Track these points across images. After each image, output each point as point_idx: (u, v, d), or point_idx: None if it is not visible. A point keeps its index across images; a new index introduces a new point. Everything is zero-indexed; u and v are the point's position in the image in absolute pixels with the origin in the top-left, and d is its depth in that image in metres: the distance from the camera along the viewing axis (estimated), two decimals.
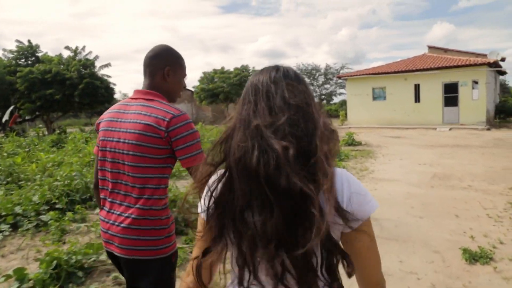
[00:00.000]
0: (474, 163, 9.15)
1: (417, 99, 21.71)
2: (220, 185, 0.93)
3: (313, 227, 0.82)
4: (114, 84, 25.85)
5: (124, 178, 1.64)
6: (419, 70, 21.12)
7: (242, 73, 29.18)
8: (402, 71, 21.79)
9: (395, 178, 7.84)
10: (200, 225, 1.05)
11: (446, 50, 24.98)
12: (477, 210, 5.44)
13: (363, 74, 23.48)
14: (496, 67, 20.66)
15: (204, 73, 30.23)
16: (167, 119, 1.57)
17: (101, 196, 1.73)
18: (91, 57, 24.77)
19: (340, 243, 0.97)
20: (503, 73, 27.01)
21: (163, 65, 1.72)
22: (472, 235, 4.41)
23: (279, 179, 0.83)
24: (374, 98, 23.31)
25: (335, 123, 22.96)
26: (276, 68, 1.01)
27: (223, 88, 28.25)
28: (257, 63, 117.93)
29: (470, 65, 19.71)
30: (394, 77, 22.20)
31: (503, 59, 22.75)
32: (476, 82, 19.97)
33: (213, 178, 0.96)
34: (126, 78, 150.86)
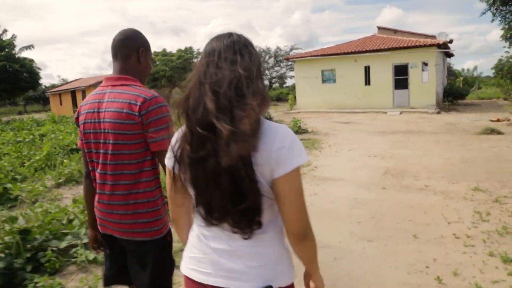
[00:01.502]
0: (429, 154, 8.06)
1: (367, 81, 20.83)
2: (180, 138, 1.12)
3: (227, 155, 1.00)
4: (39, 68, 22.87)
5: (110, 167, 1.67)
6: (369, 51, 20.18)
7: (186, 55, 27.02)
8: (351, 52, 20.76)
9: (341, 177, 6.52)
10: (168, 175, 1.22)
11: (395, 31, 24.28)
12: (440, 225, 4.19)
13: (311, 56, 22.25)
14: (445, 48, 20.14)
15: None
16: (138, 103, 1.58)
17: (96, 186, 1.76)
18: (16, 40, 21.65)
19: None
20: (450, 55, 26.90)
21: (137, 47, 1.74)
22: (438, 276, 3.10)
23: (222, 130, 1.00)
24: (324, 81, 22.21)
25: (284, 108, 21.70)
26: (229, 34, 1.15)
27: (165, 71, 25.99)
28: None
29: (420, 46, 18.98)
30: (344, 59, 21.15)
31: (451, 41, 22.36)
32: (426, 64, 19.33)
33: (176, 135, 1.17)
34: (73, 62, 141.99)
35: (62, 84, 42.73)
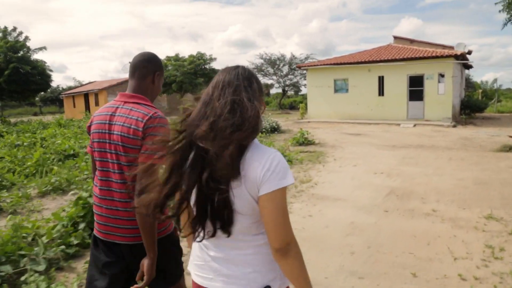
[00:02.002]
0: (440, 173, 7.47)
1: (381, 92, 20.21)
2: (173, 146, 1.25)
3: (218, 175, 1.17)
4: (51, 70, 22.89)
5: (116, 176, 1.81)
6: (384, 61, 19.58)
7: (198, 60, 26.80)
8: (365, 62, 20.19)
9: (341, 196, 6.02)
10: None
11: (412, 41, 23.62)
12: (444, 262, 3.66)
13: (324, 64, 21.74)
14: (463, 59, 19.40)
15: None
16: (144, 120, 1.75)
17: (95, 193, 1.90)
18: (28, 42, 21.74)
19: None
20: (468, 67, 26.05)
21: (154, 70, 1.92)
22: None
23: (208, 144, 1.17)
24: (336, 91, 21.67)
25: (296, 116, 21.18)
26: (235, 67, 1.33)
27: (176, 77, 25.78)
28: (227, 53, 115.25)
29: (437, 57, 18.31)
30: (357, 68, 20.59)
31: (469, 52, 21.61)
32: (442, 75, 18.63)
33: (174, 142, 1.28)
34: (92, 64, 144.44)
35: (77, 87, 43.12)
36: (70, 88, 47.67)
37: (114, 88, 32.99)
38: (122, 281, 1.85)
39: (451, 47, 20.81)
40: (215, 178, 1.17)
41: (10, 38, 21.75)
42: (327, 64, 21.63)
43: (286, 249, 1.21)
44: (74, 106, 37.77)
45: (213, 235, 1.26)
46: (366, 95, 20.45)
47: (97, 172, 1.89)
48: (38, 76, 21.38)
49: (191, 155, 1.22)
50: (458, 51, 18.52)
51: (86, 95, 35.47)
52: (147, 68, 1.89)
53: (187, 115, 1.29)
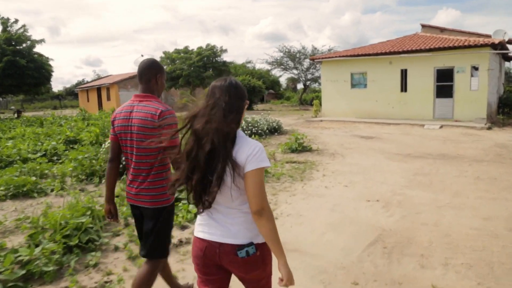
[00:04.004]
0: (459, 204, 5.35)
1: (403, 88, 17.75)
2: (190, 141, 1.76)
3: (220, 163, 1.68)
4: (50, 65, 21.70)
5: (138, 157, 2.49)
6: (407, 52, 17.10)
7: (206, 52, 24.99)
8: (386, 53, 17.76)
9: (300, 246, 4.06)
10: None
11: (442, 30, 20.89)
12: None
13: (340, 56, 19.41)
14: (502, 49, 16.63)
15: (164, 52, 26.01)
16: (158, 113, 2.41)
17: (127, 169, 2.63)
18: (31, 34, 20.65)
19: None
20: (509, 58, 22.94)
21: (155, 73, 2.56)
22: None
23: (209, 142, 1.67)
24: (353, 86, 19.33)
25: (309, 114, 19.06)
26: (225, 79, 1.83)
27: (182, 70, 24.12)
28: (258, 46, 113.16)
29: (470, 46, 15.69)
30: (377, 61, 18.20)
31: (510, 42, 18.74)
32: (476, 68, 16.00)
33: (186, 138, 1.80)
34: (126, 58, 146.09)
35: (93, 80, 42.48)
36: (87, 82, 47.20)
37: (126, 82, 31.87)
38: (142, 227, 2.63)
39: (488, 36, 18.04)
40: (215, 161, 1.69)
41: (12, 30, 20.78)
42: (343, 56, 19.32)
43: (261, 212, 1.68)
44: (88, 101, 37.04)
45: (210, 206, 1.74)
46: (386, 91, 18.05)
47: (124, 155, 2.61)
48: (35, 70, 20.20)
49: (194, 148, 1.72)
50: (496, 39, 15.80)
51: (98, 89, 34.59)
52: (149, 73, 2.54)
53: (194, 114, 1.76)
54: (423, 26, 21.56)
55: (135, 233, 4.27)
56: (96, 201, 5.66)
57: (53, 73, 21.86)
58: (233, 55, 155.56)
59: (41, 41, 20.64)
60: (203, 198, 1.72)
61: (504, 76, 25.12)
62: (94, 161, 7.65)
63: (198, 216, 1.89)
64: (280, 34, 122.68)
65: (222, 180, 1.68)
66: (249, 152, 1.70)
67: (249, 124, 12.55)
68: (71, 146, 10.46)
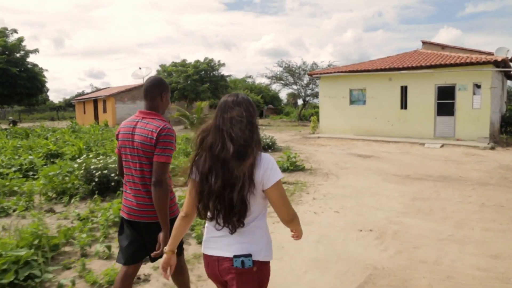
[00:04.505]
0: (463, 237, 4.73)
1: (403, 105, 17.23)
2: (200, 162, 1.77)
3: (237, 189, 1.68)
4: (43, 76, 21.28)
5: (139, 172, 2.52)
6: (407, 68, 16.64)
7: (203, 66, 24.57)
8: (386, 69, 17.30)
9: (278, 286, 3.45)
10: (190, 183, 1.86)
11: (444, 47, 20.50)
12: None
13: (338, 72, 18.96)
14: (505, 67, 16.15)
15: (161, 65, 25.64)
16: (157, 131, 2.46)
17: (124, 182, 2.65)
18: (26, 45, 20.31)
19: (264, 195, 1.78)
20: (511, 77, 22.50)
21: (160, 92, 2.62)
22: None
23: (227, 162, 1.69)
24: (352, 102, 18.83)
25: (306, 131, 18.54)
26: (236, 95, 1.82)
27: (178, 83, 23.67)
28: (260, 62, 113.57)
29: (472, 64, 15.22)
30: (377, 77, 17.73)
31: None
32: (478, 86, 15.50)
33: (199, 158, 1.80)
34: (128, 71, 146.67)
35: (90, 92, 42.14)
36: (85, 94, 46.89)
37: (122, 94, 31.47)
38: (140, 246, 2.60)
39: (490, 53, 17.61)
40: (233, 182, 1.68)
41: (8, 40, 20.44)
42: (342, 72, 18.87)
43: (292, 218, 1.84)
44: (84, 112, 36.62)
45: (243, 224, 1.74)
46: (386, 108, 17.53)
47: (126, 170, 2.62)
48: (28, 80, 19.75)
49: (215, 167, 1.72)
50: (499, 56, 15.35)
51: (95, 101, 34.19)
52: (155, 91, 2.60)
53: (205, 134, 1.78)
54: (424, 43, 21.19)
55: (89, 265, 3.72)
56: (58, 223, 5.08)
57: (47, 84, 21.44)
58: (235, 70, 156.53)
59: (35, 51, 20.28)
60: (236, 219, 1.72)
61: (506, 94, 24.65)
62: (67, 177, 7.09)
63: (205, 232, 1.90)
64: (282, 50, 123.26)
65: (246, 199, 1.69)
66: (264, 167, 1.71)
67: None
68: (52, 160, 9.90)
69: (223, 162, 1.68)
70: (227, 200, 1.68)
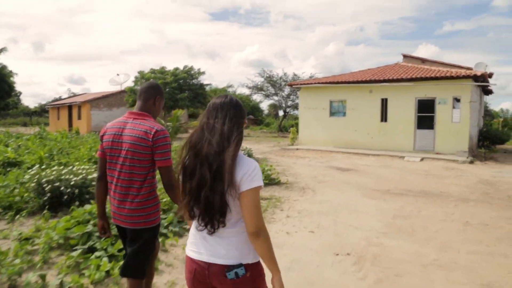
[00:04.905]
0: (449, 261, 4.28)
1: (383, 117, 17.03)
2: (186, 161, 1.76)
3: (216, 186, 1.66)
4: (11, 78, 20.25)
5: (127, 175, 2.42)
6: (388, 80, 16.47)
7: (182, 74, 23.98)
8: (366, 81, 17.11)
9: None
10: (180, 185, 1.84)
11: (424, 61, 20.50)
12: None
13: (319, 83, 18.68)
14: (483, 81, 16.15)
15: (139, 72, 24.91)
16: (152, 133, 2.37)
17: (109, 188, 2.53)
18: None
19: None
20: (488, 92, 22.72)
21: (155, 95, 2.58)
22: None
23: (207, 159, 1.67)
24: (332, 114, 18.54)
25: (286, 142, 18.11)
26: (225, 96, 1.82)
27: None
28: (243, 72, 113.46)
29: (452, 78, 15.15)
30: (357, 89, 17.52)
31: (490, 75, 18.39)
32: (457, 100, 15.42)
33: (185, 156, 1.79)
34: (110, 78, 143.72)
35: (65, 98, 40.85)
36: (61, 99, 45.49)
37: (98, 101, 30.54)
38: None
39: (469, 68, 17.65)
40: (216, 184, 1.66)
41: None
42: (322, 83, 18.59)
43: (258, 232, 1.66)
44: (58, 119, 35.39)
45: (224, 224, 1.71)
46: (366, 120, 17.30)
47: (109, 172, 2.49)
48: None
49: (196, 166, 1.71)
50: (478, 71, 15.34)
51: (70, 107, 33.07)
52: (149, 93, 2.56)
53: (192, 133, 1.78)
54: (405, 56, 21.18)
55: None
56: None
57: (16, 87, 20.40)
58: (218, 80, 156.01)
59: (3, 49, 19.25)
60: (215, 219, 1.69)
61: (484, 109, 24.90)
62: (16, 190, 6.40)
63: (190, 234, 1.88)
64: (265, 61, 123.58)
65: (225, 198, 1.67)
66: (244, 171, 1.68)
67: None
68: (8, 169, 9.11)
69: (204, 159, 1.67)
70: (206, 197, 1.67)
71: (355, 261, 4.24)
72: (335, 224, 5.70)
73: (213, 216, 1.68)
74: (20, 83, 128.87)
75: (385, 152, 15.83)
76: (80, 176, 6.75)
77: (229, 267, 1.69)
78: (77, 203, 5.93)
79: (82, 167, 7.27)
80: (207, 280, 1.74)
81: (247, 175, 1.66)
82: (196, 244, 1.80)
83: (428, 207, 6.96)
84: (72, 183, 6.45)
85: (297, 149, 17.52)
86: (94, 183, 7.19)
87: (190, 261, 1.80)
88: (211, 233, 1.71)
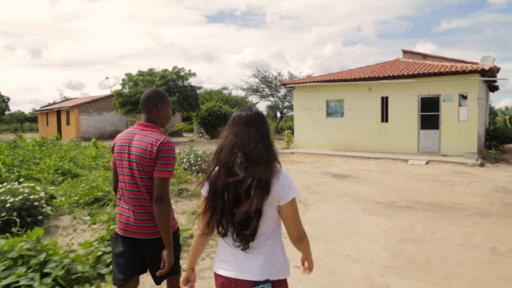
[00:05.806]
0: None
1: (384, 117, 15.82)
2: (214, 177, 1.74)
3: (252, 201, 1.63)
4: None
5: (136, 186, 2.36)
6: (388, 78, 15.27)
7: (171, 75, 22.77)
8: (365, 79, 15.91)
9: None
10: (202, 199, 1.84)
11: (425, 56, 19.33)
12: None
13: (314, 82, 17.46)
14: (491, 76, 14.93)
15: (127, 74, 23.71)
16: (157, 144, 2.30)
17: (118, 197, 2.48)
18: None
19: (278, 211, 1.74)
20: (493, 88, 21.49)
21: (156, 104, 2.46)
22: None
23: (245, 175, 1.64)
24: (329, 114, 17.31)
25: (282, 145, 16.91)
26: (250, 109, 1.82)
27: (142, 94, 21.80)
28: (240, 74, 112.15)
29: (457, 73, 13.95)
30: (355, 87, 16.31)
31: (497, 70, 17.18)
32: (464, 97, 14.22)
33: (212, 173, 1.77)
34: (110, 82, 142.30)
35: (54, 103, 39.68)
36: (50, 104, 44.28)
37: (87, 105, 29.38)
38: (138, 264, 2.40)
39: (475, 63, 16.45)
40: (252, 200, 1.64)
41: None
42: (318, 82, 17.38)
43: (301, 237, 1.79)
44: (47, 125, 34.21)
45: (253, 239, 1.70)
46: (365, 120, 16.09)
47: (121, 184, 2.43)
48: None
49: (230, 183, 1.68)
50: (486, 65, 14.11)
51: (58, 112, 31.89)
52: (150, 103, 2.45)
53: (220, 149, 1.75)
54: (405, 52, 19.98)
55: None
56: None
57: (2, 93, 19.23)
58: (216, 83, 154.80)
59: None
60: (242, 233, 1.68)
61: (489, 107, 23.70)
62: None
63: (218, 251, 1.86)
64: (263, 63, 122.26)
65: (261, 214, 1.67)
66: (283, 183, 1.70)
67: (199, 159, 10.18)
68: None
69: (238, 175, 1.65)
70: (241, 216, 1.66)
71: None
72: (328, 255, 4.49)
73: (248, 232, 1.67)
74: (18, 90, 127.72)
75: (386, 154, 14.61)
76: (20, 197, 5.62)
77: (256, 283, 1.70)
78: (17, 227, 4.83)
79: (26, 185, 6.10)
80: None
81: (287, 186, 1.70)
82: (225, 262, 1.80)
83: (442, 225, 5.76)
84: (7, 205, 5.33)
85: (293, 153, 16.30)
86: (36, 203, 6.08)
87: (218, 277, 1.81)
88: (245, 248, 1.70)
